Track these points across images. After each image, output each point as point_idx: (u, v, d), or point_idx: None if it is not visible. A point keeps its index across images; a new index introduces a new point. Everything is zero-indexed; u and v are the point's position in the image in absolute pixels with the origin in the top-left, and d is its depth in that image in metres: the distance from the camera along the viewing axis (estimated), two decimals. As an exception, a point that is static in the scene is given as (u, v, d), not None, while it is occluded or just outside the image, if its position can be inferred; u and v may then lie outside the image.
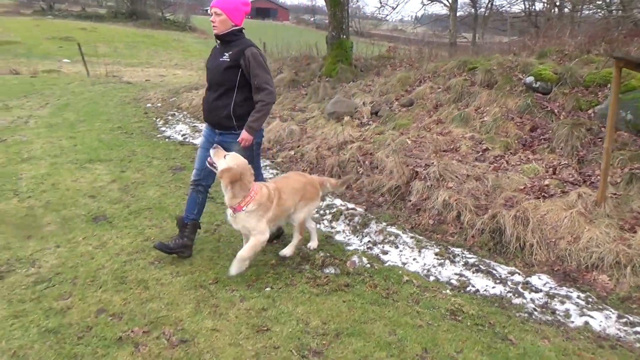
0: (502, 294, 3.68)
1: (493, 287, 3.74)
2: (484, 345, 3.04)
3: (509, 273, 3.89)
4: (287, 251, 4.05)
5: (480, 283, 3.80)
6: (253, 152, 3.92)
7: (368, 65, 10.16)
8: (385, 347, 2.97)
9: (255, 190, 3.56)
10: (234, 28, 3.77)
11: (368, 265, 4.04)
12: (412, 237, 4.46)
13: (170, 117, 9.74)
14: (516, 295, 3.65)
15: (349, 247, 4.41)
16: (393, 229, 4.62)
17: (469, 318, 3.35)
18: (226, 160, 3.49)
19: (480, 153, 5.81)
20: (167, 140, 8.06)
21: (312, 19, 67.83)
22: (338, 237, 4.64)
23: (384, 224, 4.75)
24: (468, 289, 3.77)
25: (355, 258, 4.11)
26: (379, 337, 3.06)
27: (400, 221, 4.87)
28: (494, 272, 3.91)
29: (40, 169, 5.99)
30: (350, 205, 5.23)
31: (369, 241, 4.51)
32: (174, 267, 3.84)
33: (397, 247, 4.34)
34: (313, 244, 4.26)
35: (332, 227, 4.85)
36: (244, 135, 3.77)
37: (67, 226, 4.47)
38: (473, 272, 3.92)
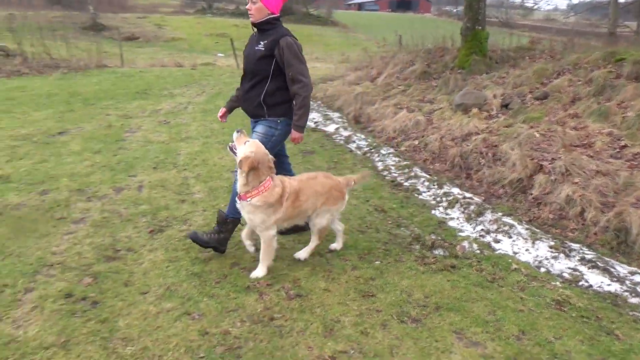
0: (618, 292, 3.55)
1: (608, 285, 3.63)
2: (586, 336, 3.03)
3: (629, 272, 3.73)
4: (302, 254, 3.89)
5: (595, 279, 3.70)
6: (271, 140, 3.82)
7: (504, 57, 9.83)
8: (482, 324, 3.12)
9: (266, 186, 3.43)
10: (270, 16, 3.67)
11: (478, 251, 4.15)
12: (527, 229, 4.44)
13: (305, 106, 10.48)
14: (633, 294, 3.50)
15: (460, 234, 4.54)
16: (509, 220, 4.63)
17: (575, 310, 3.32)
18: (246, 147, 3.40)
19: (617, 150, 5.45)
20: (301, 127, 8.75)
21: (455, 10, 65.69)
22: (451, 223, 4.78)
23: (500, 214, 4.78)
24: (580, 283, 3.70)
25: (465, 243, 4.24)
26: (477, 315, 3.21)
27: (518, 213, 4.84)
28: (613, 270, 3.77)
29: (194, 147, 6.98)
30: (468, 195, 5.31)
31: (482, 229, 4.58)
32: (296, 236, 4.33)
33: (510, 237, 4.36)
34: (337, 245, 4.09)
35: (446, 214, 5.00)
36: (295, 135, 3.77)
37: (212, 194, 5.24)
38: (589, 268, 3.82)
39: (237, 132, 3.51)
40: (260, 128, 3.84)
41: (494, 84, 8.41)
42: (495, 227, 4.55)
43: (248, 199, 3.43)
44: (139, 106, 9.81)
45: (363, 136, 8.03)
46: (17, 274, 3.51)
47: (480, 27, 9.90)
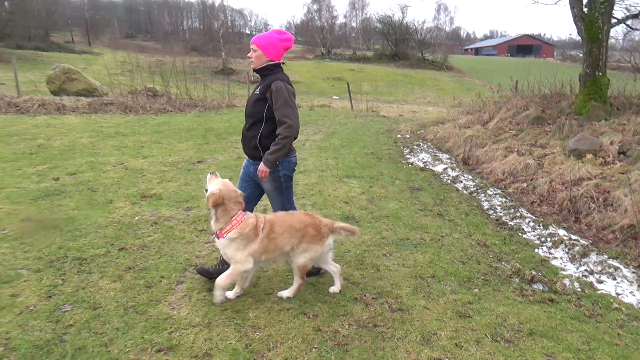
0: None
1: None
2: (684, 375, 3.07)
3: None
4: (285, 293, 3.91)
5: None
6: (281, 185, 4.03)
7: (626, 104, 9.52)
8: (574, 351, 3.29)
9: (238, 219, 3.56)
10: (269, 63, 3.88)
11: (579, 289, 4.26)
12: (634, 273, 4.43)
13: (415, 147, 10.94)
14: None
15: (562, 272, 4.65)
16: (614, 262, 4.64)
17: (676, 350, 3.34)
18: (213, 185, 3.62)
19: None
20: (410, 165, 9.21)
21: (580, 55, 62.56)
22: (554, 262, 4.89)
23: (606, 256, 4.79)
24: (687, 328, 3.67)
25: (566, 280, 4.37)
26: (570, 343, 3.38)
27: (627, 258, 4.81)
28: None
29: (311, 179, 7.74)
30: (574, 237, 5.36)
31: (585, 270, 4.64)
32: (401, 260, 4.76)
33: (614, 279, 4.39)
34: (335, 288, 4.04)
35: (549, 253, 5.10)
36: (260, 167, 3.84)
37: (327, 220, 5.87)
38: (698, 315, 3.77)
39: (210, 173, 3.78)
40: (266, 177, 3.94)
41: (612, 130, 8.23)
42: (599, 268, 4.59)
43: (224, 235, 3.55)
44: (263, 141, 10.96)
45: (470, 177, 8.27)
46: (170, 269, 4.36)
47: (600, 73, 9.73)
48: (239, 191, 3.71)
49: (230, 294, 3.84)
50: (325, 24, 64.38)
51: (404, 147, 10.81)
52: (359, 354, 3.21)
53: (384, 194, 7.11)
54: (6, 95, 14.16)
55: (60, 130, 11.65)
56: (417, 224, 5.87)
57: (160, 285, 4.05)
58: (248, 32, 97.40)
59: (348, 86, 22.09)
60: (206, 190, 3.68)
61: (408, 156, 10.03)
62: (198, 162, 8.70)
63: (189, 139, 10.97)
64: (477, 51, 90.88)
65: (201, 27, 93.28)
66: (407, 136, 12.12)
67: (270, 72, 3.92)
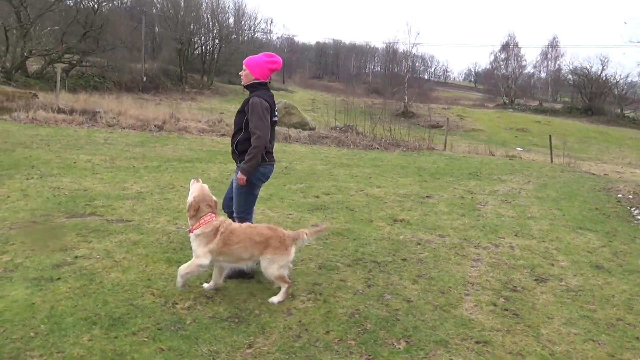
0: None
1: None
2: None
3: None
4: (275, 299, 4.19)
5: None
6: (243, 188, 4.51)
7: None
8: None
9: (205, 220, 4.06)
10: (254, 81, 4.48)
11: None
12: None
13: (641, 209, 10.39)
14: None
15: None
16: None
17: None
18: (193, 191, 4.20)
19: None
20: (642, 227, 8.87)
21: None
22: None
23: None
24: None
25: None
26: None
27: None
28: None
29: (543, 226, 8.01)
30: None
31: None
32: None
33: None
34: (275, 298, 4.21)
35: None
36: (239, 174, 4.45)
37: (576, 266, 6.13)
38: None
39: (193, 179, 4.37)
40: (236, 173, 4.62)
41: None
42: None
43: (194, 231, 4.09)
44: (477, 185, 11.49)
45: None
46: (453, 283, 5.11)
47: None
48: (213, 198, 4.24)
49: (206, 285, 4.34)
50: (512, 73, 62.67)
51: (631, 207, 10.37)
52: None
53: (627, 250, 7.08)
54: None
55: (295, 156, 13.68)
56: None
57: (451, 293, 4.84)
58: (426, 77, 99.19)
59: (550, 139, 21.40)
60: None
61: (639, 217, 9.63)
62: (426, 196, 9.57)
63: (406, 175, 12.01)
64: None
65: (383, 70, 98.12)
66: (630, 196, 11.53)
67: (255, 89, 4.49)
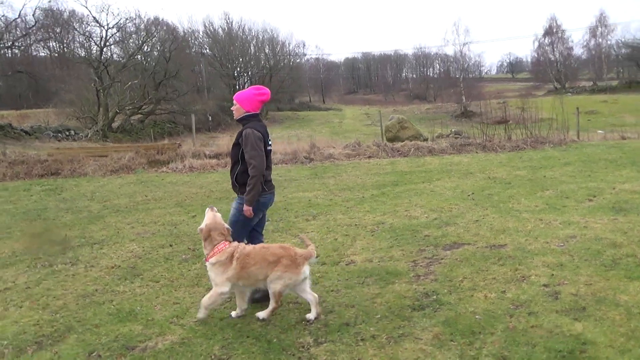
0: None
1: None
2: None
3: None
4: (261, 314, 4.19)
5: None
6: (239, 216, 4.50)
7: None
8: None
9: (220, 248, 4.11)
10: (245, 114, 4.52)
11: None
12: None
13: None
14: None
15: None
16: None
17: None
18: (205, 219, 4.26)
19: None
20: None
21: None
22: None
23: None
24: None
25: None
26: None
27: None
28: None
29: None
30: None
31: None
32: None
33: None
34: (311, 315, 4.17)
35: None
36: (244, 207, 4.41)
37: None
38: None
39: (208, 207, 4.41)
40: (234, 204, 4.66)
41: None
42: None
43: (209, 260, 4.14)
44: None
45: None
46: None
47: None
48: (226, 225, 4.31)
49: (233, 313, 4.32)
50: (559, 56, 61.46)
51: None
52: None
53: None
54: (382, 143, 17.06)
55: (491, 164, 13.45)
56: None
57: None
58: (457, 75, 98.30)
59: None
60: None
61: None
62: None
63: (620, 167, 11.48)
64: None
65: (413, 76, 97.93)
66: None
67: (247, 121, 4.55)
